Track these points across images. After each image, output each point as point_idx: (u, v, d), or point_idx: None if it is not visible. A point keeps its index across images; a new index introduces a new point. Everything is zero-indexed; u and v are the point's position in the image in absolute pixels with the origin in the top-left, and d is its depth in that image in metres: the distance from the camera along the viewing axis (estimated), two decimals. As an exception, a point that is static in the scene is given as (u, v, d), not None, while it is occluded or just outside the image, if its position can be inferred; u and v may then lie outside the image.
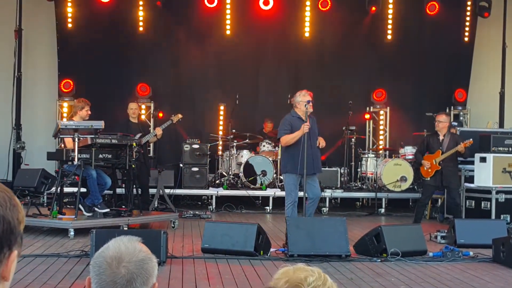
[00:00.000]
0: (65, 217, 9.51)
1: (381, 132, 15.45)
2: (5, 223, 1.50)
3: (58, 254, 7.90)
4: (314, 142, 9.00)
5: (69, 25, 14.76)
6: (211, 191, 13.39)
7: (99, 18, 14.87)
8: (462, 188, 11.68)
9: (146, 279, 1.77)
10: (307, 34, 15.30)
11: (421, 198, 10.80)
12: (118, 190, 10.74)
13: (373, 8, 15.08)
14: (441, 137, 10.60)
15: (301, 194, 9.15)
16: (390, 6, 15.24)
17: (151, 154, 14.04)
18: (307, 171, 8.68)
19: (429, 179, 10.68)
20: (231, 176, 13.79)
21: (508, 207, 10.81)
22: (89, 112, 10.01)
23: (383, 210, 13.52)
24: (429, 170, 10.57)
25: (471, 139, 10.70)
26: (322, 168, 12.21)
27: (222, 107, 15.02)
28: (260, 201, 13.90)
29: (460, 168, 11.86)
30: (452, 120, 15.06)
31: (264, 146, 14.02)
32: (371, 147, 15.27)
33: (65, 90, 14.54)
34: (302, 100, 8.98)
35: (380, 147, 15.10)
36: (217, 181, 13.88)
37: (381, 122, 15.45)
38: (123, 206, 10.13)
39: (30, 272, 6.80)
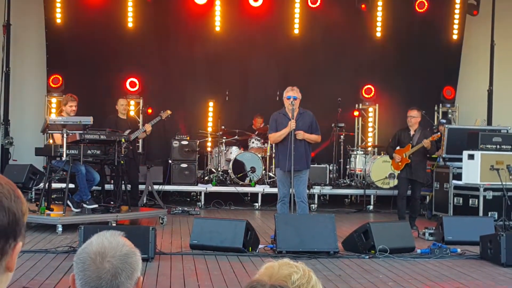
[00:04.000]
0: (53, 213, 9.47)
1: (370, 129, 15.49)
2: (10, 214, 1.52)
3: (46, 250, 7.88)
4: (298, 139, 8.91)
5: (58, 20, 14.70)
6: (200, 187, 13.38)
7: (88, 14, 14.79)
8: (450, 185, 11.72)
9: (130, 273, 1.77)
10: (296, 31, 15.31)
11: (399, 193, 10.89)
12: (107, 186, 10.71)
13: (363, 6, 15.09)
14: (412, 132, 10.71)
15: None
16: (380, 3, 15.27)
17: (140, 150, 14.00)
18: (290, 167, 8.66)
19: (400, 172, 10.82)
20: (220, 173, 13.78)
21: (495, 204, 10.86)
22: (74, 108, 9.90)
23: (371, 207, 13.56)
24: (399, 164, 10.69)
25: (438, 133, 10.86)
26: (312, 165, 12.24)
27: (211, 103, 15.00)
28: (249, 198, 13.91)
29: (448, 165, 11.91)
30: (440, 117, 15.13)
31: (253, 142, 14.02)
32: (359, 144, 15.30)
33: (53, 86, 14.48)
34: (284, 96, 9.00)
35: (369, 144, 15.13)
36: (206, 178, 13.88)
37: (370, 119, 15.48)
38: (112, 202, 10.10)
39: (17, 268, 6.73)
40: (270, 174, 13.65)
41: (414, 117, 10.73)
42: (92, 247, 1.78)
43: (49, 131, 9.59)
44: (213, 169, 13.94)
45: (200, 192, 13.41)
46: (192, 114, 15.16)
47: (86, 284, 1.75)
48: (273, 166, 12.53)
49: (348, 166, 14.68)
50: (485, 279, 7.01)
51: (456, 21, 15.43)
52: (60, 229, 9.11)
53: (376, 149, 15.11)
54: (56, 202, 10.94)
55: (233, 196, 13.51)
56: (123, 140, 9.71)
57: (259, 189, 13.31)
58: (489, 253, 7.90)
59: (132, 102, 14.51)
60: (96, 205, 9.72)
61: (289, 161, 8.64)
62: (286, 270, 1.79)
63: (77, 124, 9.30)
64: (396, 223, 9.40)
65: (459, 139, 11.50)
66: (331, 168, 14.17)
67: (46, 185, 9.69)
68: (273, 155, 11.14)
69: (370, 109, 15.47)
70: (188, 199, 14.23)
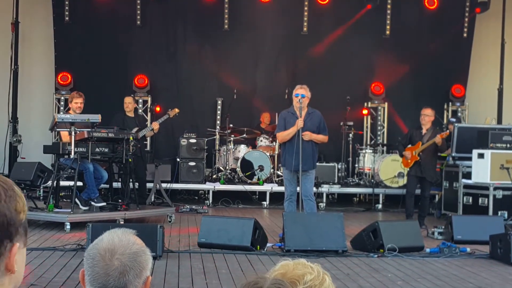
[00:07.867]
0: (61, 211, 9.47)
1: (379, 128, 15.42)
2: (1, 216, 1.47)
3: (54, 247, 7.87)
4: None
5: (66, 18, 14.71)
6: (208, 185, 13.36)
7: (96, 11, 14.81)
8: (460, 184, 11.67)
9: (139, 272, 1.75)
10: (305, 28, 15.25)
11: (407, 190, 10.89)
12: (115, 184, 10.70)
13: (368, 5, 14.97)
14: (423, 131, 10.74)
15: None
16: (389, 0, 15.18)
17: (148, 148, 14.00)
18: (297, 167, 8.61)
19: (409, 169, 10.82)
20: (228, 171, 13.75)
21: (505, 203, 10.80)
22: (79, 105, 9.87)
23: (380, 206, 13.51)
24: (409, 161, 10.71)
25: (447, 131, 10.92)
26: (319, 164, 12.21)
27: (219, 101, 14.98)
28: (257, 196, 13.88)
29: (458, 164, 11.85)
30: (450, 116, 15.06)
31: (261, 141, 13.98)
32: (368, 142, 15.24)
33: (62, 83, 14.49)
34: (293, 94, 8.99)
35: (378, 142, 15.07)
36: (214, 176, 13.86)
37: (379, 118, 15.41)
38: (120, 200, 10.09)
39: (25, 266, 6.76)
40: (279, 172, 13.60)
41: (427, 115, 10.73)
42: (102, 243, 1.77)
43: (57, 129, 9.58)
44: (221, 168, 13.91)
45: (208, 191, 13.39)
46: (200, 112, 15.14)
47: (94, 281, 1.74)
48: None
49: (356, 165, 14.63)
50: (494, 278, 6.96)
51: (466, 19, 15.33)
52: (68, 227, 9.11)
53: (385, 148, 15.05)
54: (64, 200, 10.95)
55: (241, 194, 13.49)
56: (131, 138, 9.70)
57: (267, 187, 13.28)
58: (499, 253, 7.84)
59: (140, 100, 14.52)
60: (104, 203, 9.71)
61: (295, 161, 8.60)
62: (301, 270, 1.77)
63: (85, 122, 9.29)
64: (405, 222, 9.36)
65: (469, 137, 11.44)
66: (339, 166, 14.13)
67: (54, 183, 9.69)
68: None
69: (379, 107, 15.39)
70: (196, 198, 14.22)
